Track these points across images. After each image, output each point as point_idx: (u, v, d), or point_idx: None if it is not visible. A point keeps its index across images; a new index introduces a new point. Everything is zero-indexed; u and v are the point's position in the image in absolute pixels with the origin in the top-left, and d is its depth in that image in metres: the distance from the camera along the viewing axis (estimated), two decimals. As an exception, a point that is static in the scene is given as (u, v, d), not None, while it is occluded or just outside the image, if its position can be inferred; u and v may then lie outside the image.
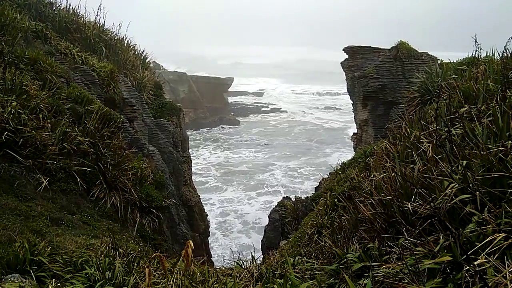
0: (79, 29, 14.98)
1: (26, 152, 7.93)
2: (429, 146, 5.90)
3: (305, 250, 6.92)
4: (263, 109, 76.30)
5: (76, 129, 9.35)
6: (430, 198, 4.23)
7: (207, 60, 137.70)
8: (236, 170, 42.32)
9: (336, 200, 7.77)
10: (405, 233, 4.07)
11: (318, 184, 13.33)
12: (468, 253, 2.79)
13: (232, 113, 68.91)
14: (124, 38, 17.03)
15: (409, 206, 4.34)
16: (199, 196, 17.56)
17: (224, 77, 70.36)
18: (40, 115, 8.64)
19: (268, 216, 13.41)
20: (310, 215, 9.10)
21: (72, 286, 4.38)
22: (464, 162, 4.28)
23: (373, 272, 3.44)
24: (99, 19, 16.34)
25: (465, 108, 6.70)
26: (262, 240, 13.60)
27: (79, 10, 16.26)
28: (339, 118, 69.40)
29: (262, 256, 10.12)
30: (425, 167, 5.11)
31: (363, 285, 3.34)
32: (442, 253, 2.91)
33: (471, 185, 3.88)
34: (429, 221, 3.79)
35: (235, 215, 31.35)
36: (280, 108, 76.88)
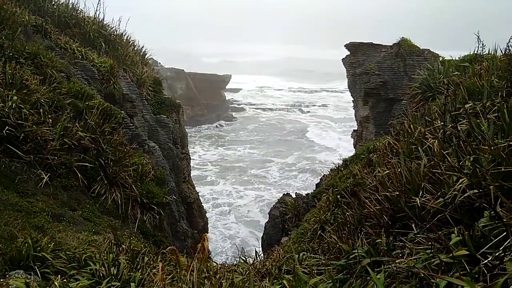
0: (78, 24, 14.85)
1: (27, 147, 7.86)
2: (434, 141, 5.90)
3: (308, 246, 6.90)
4: (258, 106, 76.32)
5: (76, 124, 9.27)
6: (439, 193, 4.22)
7: (193, 58, 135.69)
8: (232, 166, 42.39)
9: (339, 196, 7.74)
10: (414, 228, 4.07)
11: (319, 180, 13.31)
12: (485, 247, 2.76)
13: (230, 110, 68.90)
14: (124, 34, 16.90)
15: (418, 201, 4.32)
16: (198, 193, 17.52)
17: (222, 74, 70.20)
18: (41, 110, 8.56)
19: (268, 213, 13.36)
20: (312, 212, 9.07)
21: (77, 282, 4.32)
22: (472, 157, 4.26)
23: (385, 267, 3.41)
24: (98, 14, 16.22)
25: (470, 104, 6.69)
26: (262, 237, 13.57)
27: (78, 5, 16.12)
28: (333, 115, 69.59)
29: (262, 252, 10.09)
30: (432, 162, 5.08)
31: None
32: (458, 247, 2.88)
33: (481, 180, 3.87)
34: (440, 215, 3.77)
35: (230, 210, 31.43)
36: (274, 106, 77.01)
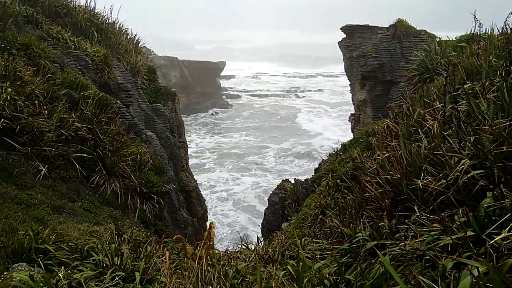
0: (69, 14, 14.61)
1: (24, 140, 7.80)
2: (434, 123, 5.87)
3: (309, 231, 6.91)
4: (254, 93, 75.97)
5: (72, 115, 9.20)
6: (441, 175, 4.21)
7: (186, 46, 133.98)
8: (229, 153, 42.47)
9: (338, 180, 7.73)
10: (417, 210, 4.07)
11: (317, 165, 13.32)
12: (490, 228, 2.76)
13: (225, 98, 68.58)
14: (116, 22, 16.66)
15: (420, 183, 4.31)
16: (196, 181, 17.51)
17: (216, 61, 69.63)
18: (36, 102, 8.48)
19: (268, 199, 13.38)
20: (312, 197, 9.08)
21: (82, 273, 4.31)
22: (473, 138, 4.24)
23: (389, 249, 3.42)
24: (89, 3, 15.96)
25: (469, 85, 6.65)
26: (262, 223, 13.61)
27: (68, -6, 15.82)
28: (329, 100, 69.36)
29: (262, 238, 10.14)
30: (432, 144, 5.06)
31: (380, 263, 3.31)
32: (464, 229, 2.88)
33: (483, 160, 3.85)
34: (443, 197, 3.77)
35: (228, 197, 31.55)
36: (269, 92, 76.71)
